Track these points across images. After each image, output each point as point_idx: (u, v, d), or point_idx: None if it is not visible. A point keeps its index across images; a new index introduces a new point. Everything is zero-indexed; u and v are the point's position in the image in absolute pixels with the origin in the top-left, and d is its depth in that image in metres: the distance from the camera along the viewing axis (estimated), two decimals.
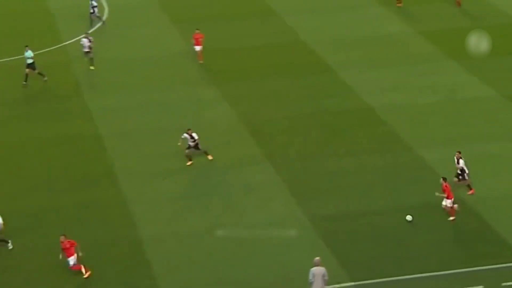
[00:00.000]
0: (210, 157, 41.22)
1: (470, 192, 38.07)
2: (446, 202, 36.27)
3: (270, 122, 45.22)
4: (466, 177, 37.81)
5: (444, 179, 36.36)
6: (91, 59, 51.34)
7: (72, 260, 33.15)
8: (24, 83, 49.08)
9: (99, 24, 58.14)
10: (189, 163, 40.81)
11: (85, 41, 51.33)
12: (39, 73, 49.15)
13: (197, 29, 52.35)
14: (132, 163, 41.60)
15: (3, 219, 35.29)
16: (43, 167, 41.22)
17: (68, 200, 38.46)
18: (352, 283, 32.39)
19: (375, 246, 34.60)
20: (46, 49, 54.46)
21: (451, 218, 36.27)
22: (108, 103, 47.79)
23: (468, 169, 37.64)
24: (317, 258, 31.17)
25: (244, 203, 38.03)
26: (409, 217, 36.06)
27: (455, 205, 36.33)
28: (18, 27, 58.71)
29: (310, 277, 30.79)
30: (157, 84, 50.05)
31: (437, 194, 36.42)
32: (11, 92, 49.23)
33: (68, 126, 45.21)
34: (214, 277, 33.26)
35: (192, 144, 40.71)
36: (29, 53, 48.75)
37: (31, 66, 48.78)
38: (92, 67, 51.09)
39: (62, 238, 33.10)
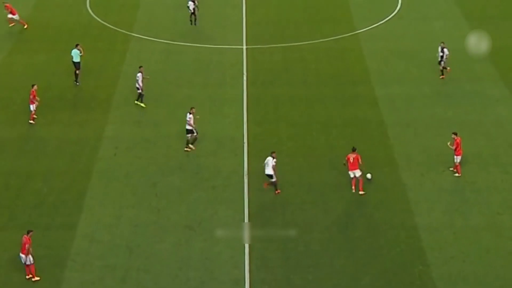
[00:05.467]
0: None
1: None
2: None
3: None
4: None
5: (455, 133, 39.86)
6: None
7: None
8: None
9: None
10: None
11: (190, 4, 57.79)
12: None
13: None
14: (413, 152, 42.41)
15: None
16: (328, 146, 43.08)
17: (348, 180, 40.10)
18: None
19: None
20: (340, 36, 56.67)
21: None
22: (394, 91, 48.82)
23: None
24: None
25: None
26: (369, 175, 38.93)
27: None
28: (318, 14, 61.28)
29: None
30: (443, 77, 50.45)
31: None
32: (303, 74, 51.77)
33: (354, 110, 46.78)
34: (491, 274, 33.52)
35: None
36: None
37: None
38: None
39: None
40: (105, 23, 58.80)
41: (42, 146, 43.21)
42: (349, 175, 38.98)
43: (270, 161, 38.48)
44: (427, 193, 38.86)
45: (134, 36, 56.74)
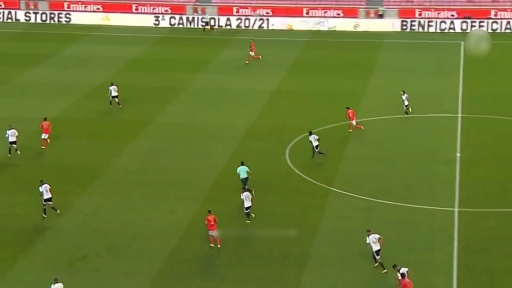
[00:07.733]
0: None
1: None
2: None
3: None
4: None
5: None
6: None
7: None
8: None
9: None
10: None
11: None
12: None
13: None
14: None
15: None
16: None
17: None
18: None
19: None
20: None
21: None
22: None
23: None
24: None
25: None
26: None
27: None
28: None
29: None
30: None
31: None
32: None
33: None
34: None
35: None
36: None
37: None
38: None
39: None
40: (304, 176, 55.45)
41: None
42: None
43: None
44: None
45: (333, 190, 52.89)
